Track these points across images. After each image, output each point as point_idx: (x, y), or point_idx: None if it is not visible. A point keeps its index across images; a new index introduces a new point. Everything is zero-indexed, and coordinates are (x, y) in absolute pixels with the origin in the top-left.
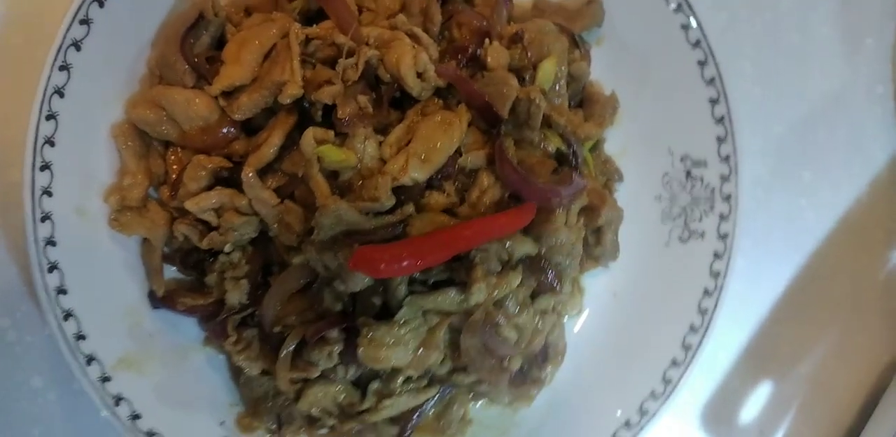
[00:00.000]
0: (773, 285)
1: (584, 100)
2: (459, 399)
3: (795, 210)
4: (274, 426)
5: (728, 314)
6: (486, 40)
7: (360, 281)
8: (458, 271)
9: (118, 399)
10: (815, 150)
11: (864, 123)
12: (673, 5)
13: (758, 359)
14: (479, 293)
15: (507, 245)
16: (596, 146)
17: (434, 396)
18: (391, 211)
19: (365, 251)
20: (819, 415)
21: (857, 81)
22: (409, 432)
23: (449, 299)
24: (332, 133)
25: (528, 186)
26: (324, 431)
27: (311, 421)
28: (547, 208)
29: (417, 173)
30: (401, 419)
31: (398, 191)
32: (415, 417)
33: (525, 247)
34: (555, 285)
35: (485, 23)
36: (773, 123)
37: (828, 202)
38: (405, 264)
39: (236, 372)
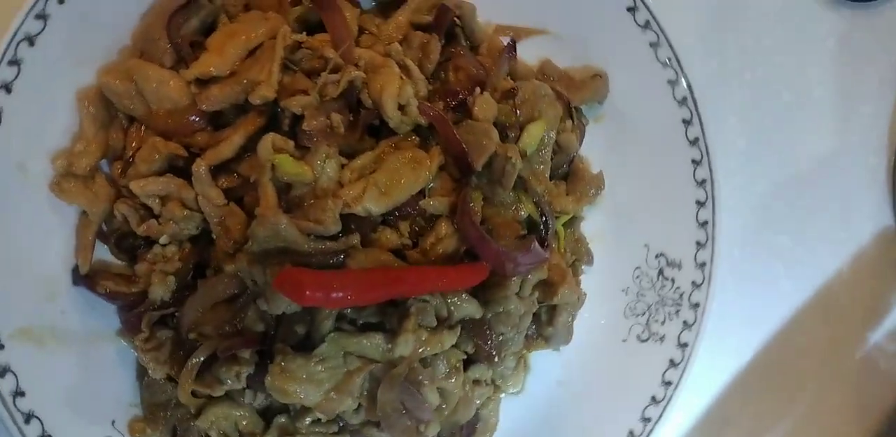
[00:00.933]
0: (741, 352)
1: (570, 174)
2: None
3: (770, 275)
4: None
5: (692, 377)
6: (479, 89)
7: (282, 304)
8: (390, 317)
9: (4, 370)
10: (797, 214)
11: (852, 193)
12: (678, 98)
13: (718, 428)
14: (405, 345)
15: (449, 302)
16: (571, 223)
17: None
18: (334, 238)
19: (292, 273)
20: None
21: (849, 148)
22: None
23: (374, 344)
24: (292, 144)
25: (485, 246)
26: None
27: None
28: (502, 273)
29: (372, 205)
30: None
31: (348, 219)
32: None
33: (469, 308)
34: (493, 355)
35: (482, 71)
36: (755, 180)
37: (806, 272)
38: (334, 295)
39: (142, 372)
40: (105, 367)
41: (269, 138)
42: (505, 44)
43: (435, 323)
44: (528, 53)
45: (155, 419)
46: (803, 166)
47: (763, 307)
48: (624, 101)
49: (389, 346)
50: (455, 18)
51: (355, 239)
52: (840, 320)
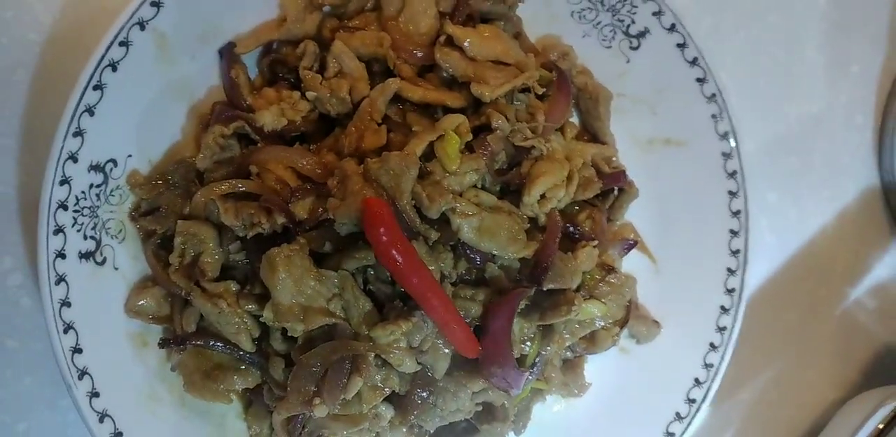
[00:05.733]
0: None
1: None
2: None
3: (755, 230)
4: None
5: None
6: (593, 242)
7: (348, 221)
8: (394, 305)
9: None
10: (784, 172)
11: (839, 151)
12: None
13: None
14: (382, 335)
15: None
16: None
17: None
18: (423, 217)
19: (385, 208)
20: None
21: (838, 107)
22: None
23: (360, 312)
24: (470, 137)
25: (502, 355)
26: None
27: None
28: (484, 372)
29: (465, 229)
30: None
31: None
32: None
33: (406, 368)
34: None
35: (604, 239)
36: (743, 137)
37: (790, 228)
38: (392, 251)
39: None
40: None
41: (463, 121)
42: (630, 242)
43: (381, 373)
44: None
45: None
46: (792, 125)
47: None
48: None
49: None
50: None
51: (434, 235)
52: (822, 276)
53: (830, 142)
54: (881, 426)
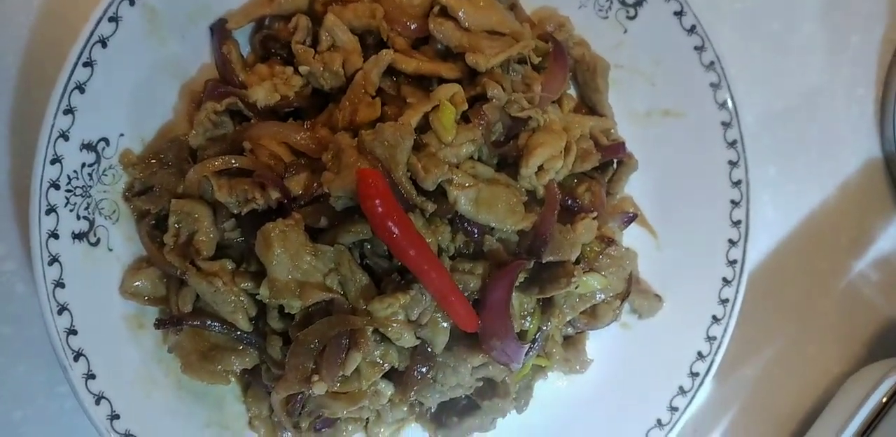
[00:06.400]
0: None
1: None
2: None
3: (756, 204)
4: None
5: None
6: (593, 214)
7: (343, 194)
8: (391, 278)
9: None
10: (784, 145)
11: (839, 124)
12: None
13: None
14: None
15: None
16: None
17: None
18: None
19: (380, 178)
20: (757, 420)
21: (838, 79)
22: None
23: (357, 286)
24: (466, 107)
25: (503, 330)
26: None
27: None
28: (484, 346)
29: (462, 202)
30: None
31: (437, 191)
32: None
33: (405, 342)
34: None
35: (603, 211)
36: (743, 110)
37: (792, 201)
38: (388, 222)
39: None
40: None
41: (458, 91)
42: (629, 214)
43: (379, 349)
44: None
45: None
46: (792, 97)
47: (749, 236)
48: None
49: (362, 302)
50: None
51: (431, 207)
52: (825, 250)
53: (831, 114)
54: (885, 400)
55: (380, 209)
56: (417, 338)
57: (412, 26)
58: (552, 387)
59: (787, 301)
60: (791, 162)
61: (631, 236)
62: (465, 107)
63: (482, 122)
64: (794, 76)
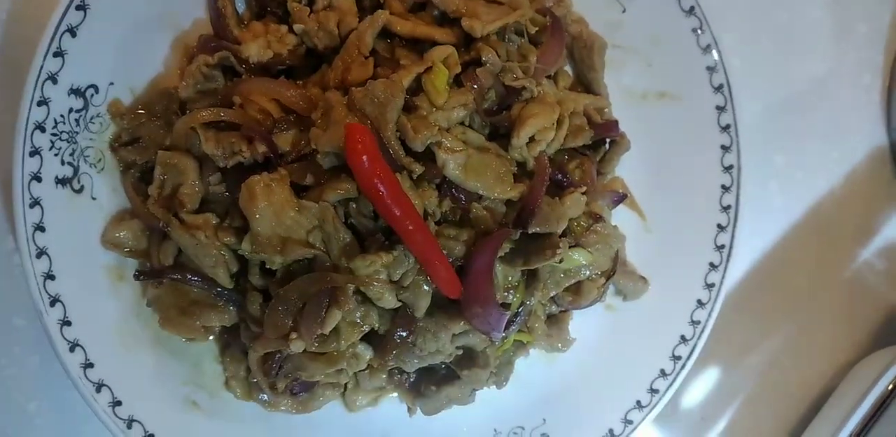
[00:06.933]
0: (732, 270)
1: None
2: None
3: (763, 193)
4: None
5: None
6: (582, 189)
7: (330, 148)
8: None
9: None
10: (791, 134)
11: (846, 112)
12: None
13: (708, 345)
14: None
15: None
16: None
17: None
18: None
19: (368, 134)
20: (764, 409)
21: (844, 67)
22: None
23: (339, 244)
24: (459, 69)
25: (485, 297)
26: None
27: None
28: (465, 313)
29: (451, 166)
30: None
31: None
32: None
33: (386, 302)
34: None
35: (593, 186)
36: (749, 99)
37: (799, 190)
38: (375, 180)
39: None
40: None
41: (452, 53)
42: (619, 194)
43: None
44: None
45: None
46: (799, 86)
47: (756, 225)
48: None
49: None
50: None
51: (419, 168)
52: (831, 238)
53: (838, 102)
54: (891, 386)
55: (367, 165)
56: (399, 301)
57: None
58: (534, 365)
59: (794, 289)
60: (798, 150)
61: (620, 218)
62: (459, 70)
63: (475, 85)
64: (801, 65)
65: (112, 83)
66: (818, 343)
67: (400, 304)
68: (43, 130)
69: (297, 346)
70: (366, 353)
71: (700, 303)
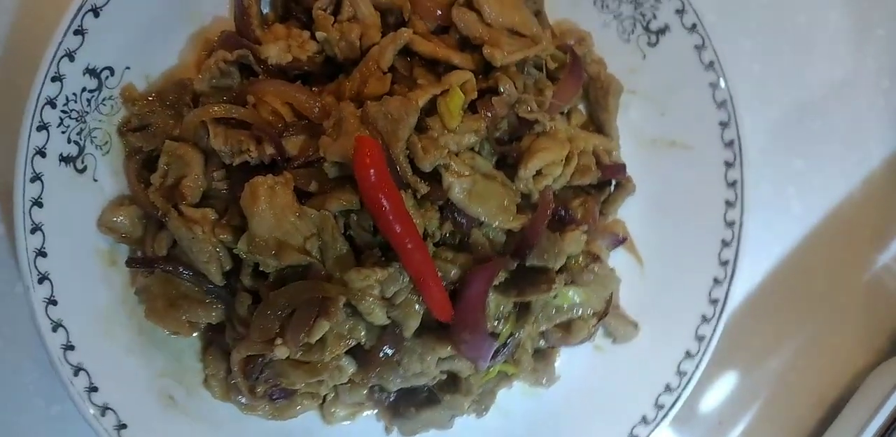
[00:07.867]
0: (750, 274)
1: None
2: None
3: (781, 198)
4: None
5: None
6: (584, 228)
7: (338, 158)
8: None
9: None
10: (809, 138)
11: (864, 116)
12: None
13: (727, 349)
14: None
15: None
16: None
17: None
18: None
19: (378, 147)
20: (782, 413)
21: (863, 72)
22: None
23: (336, 255)
24: (475, 95)
25: (476, 324)
26: None
27: None
28: (454, 339)
29: (455, 190)
30: None
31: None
32: None
33: (376, 318)
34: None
35: (594, 228)
36: (768, 104)
37: (817, 194)
38: (379, 194)
39: None
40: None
41: (471, 78)
42: (619, 237)
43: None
44: None
45: None
46: (817, 90)
47: (774, 230)
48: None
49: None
50: None
51: (424, 188)
52: (849, 242)
53: (856, 107)
54: None
55: (373, 179)
56: (389, 318)
57: (436, 12)
58: (515, 398)
59: (812, 294)
60: (816, 155)
61: (617, 261)
62: (475, 96)
63: (489, 113)
64: (820, 69)
65: (128, 68)
66: (836, 348)
67: (389, 321)
68: (54, 105)
69: (281, 352)
70: (349, 367)
71: (689, 354)
